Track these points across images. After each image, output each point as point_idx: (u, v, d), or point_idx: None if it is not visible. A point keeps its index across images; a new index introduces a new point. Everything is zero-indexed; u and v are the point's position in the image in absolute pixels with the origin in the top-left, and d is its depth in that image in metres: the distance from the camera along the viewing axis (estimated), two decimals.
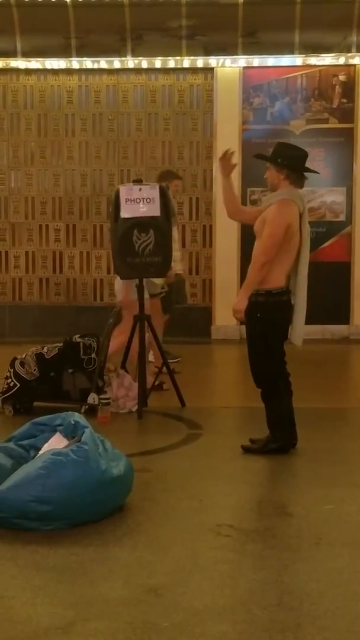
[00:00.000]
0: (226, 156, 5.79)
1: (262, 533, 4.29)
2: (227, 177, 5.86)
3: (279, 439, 5.69)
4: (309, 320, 5.86)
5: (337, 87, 11.04)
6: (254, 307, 5.53)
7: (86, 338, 7.27)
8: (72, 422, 4.81)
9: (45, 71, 11.25)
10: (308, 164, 5.75)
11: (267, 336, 5.61)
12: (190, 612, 3.40)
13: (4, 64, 11.13)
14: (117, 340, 7.47)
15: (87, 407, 6.82)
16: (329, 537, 4.24)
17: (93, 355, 7.18)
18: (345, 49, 10.76)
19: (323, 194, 11.05)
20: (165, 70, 11.17)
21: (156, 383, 7.37)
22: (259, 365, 5.64)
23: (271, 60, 10.88)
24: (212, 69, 11.01)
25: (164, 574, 3.79)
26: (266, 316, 5.56)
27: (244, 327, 5.84)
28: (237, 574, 3.81)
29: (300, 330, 5.73)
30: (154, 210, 7.05)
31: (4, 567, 3.86)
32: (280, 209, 5.55)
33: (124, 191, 7.10)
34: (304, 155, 5.74)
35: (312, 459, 5.66)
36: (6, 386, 7.05)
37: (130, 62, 11.01)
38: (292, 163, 5.64)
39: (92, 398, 6.87)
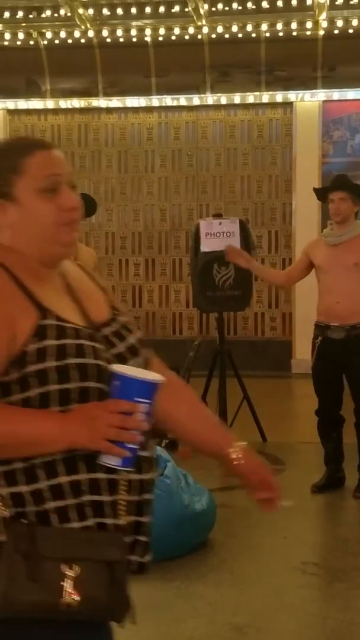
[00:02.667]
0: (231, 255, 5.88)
1: (349, 572, 4.21)
2: (250, 264, 5.90)
3: None
4: None
5: None
6: None
7: None
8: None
9: (125, 109, 11.43)
10: None
11: None
12: None
13: (86, 104, 11.35)
14: None
15: (167, 441, 6.81)
16: None
17: None
18: None
19: None
20: (245, 106, 11.23)
21: None
22: None
23: (351, 94, 10.85)
24: (291, 103, 11.04)
25: (249, 612, 3.74)
26: None
27: None
28: (324, 614, 3.74)
29: None
30: (234, 243, 7.06)
31: None
32: None
33: (204, 225, 7.14)
34: None
35: None
36: None
37: (210, 99, 11.12)
38: None
39: None
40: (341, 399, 5.69)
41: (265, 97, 11.03)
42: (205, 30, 10.55)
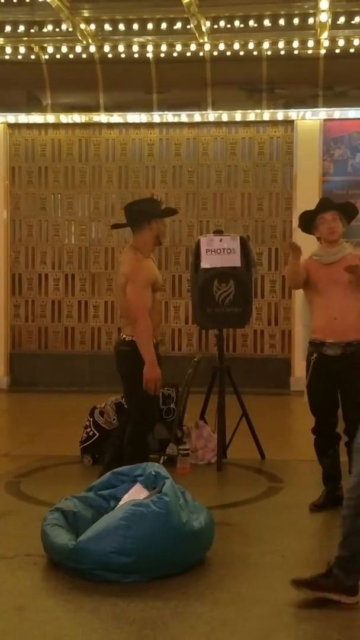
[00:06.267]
0: (293, 246, 5.70)
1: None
2: (298, 259, 5.71)
3: None
4: None
5: None
6: None
7: (165, 388, 7.23)
8: (153, 473, 4.77)
9: (126, 125, 11.43)
10: None
11: None
12: None
13: (87, 119, 11.35)
14: None
15: (165, 457, 6.77)
16: None
17: (172, 405, 7.15)
18: None
19: None
20: (246, 123, 11.23)
21: None
22: None
23: (352, 113, 10.86)
24: (292, 121, 11.04)
25: (247, 632, 3.69)
26: None
27: None
28: (322, 633, 3.68)
29: None
30: (235, 260, 7.04)
31: (85, 620, 3.81)
32: None
33: (205, 242, 7.11)
34: None
35: None
36: (85, 435, 7.05)
37: (211, 116, 11.13)
38: None
39: (171, 449, 6.82)
40: (337, 417, 5.67)
41: (267, 114, 11.04)
42: (207, 47, 10.57)
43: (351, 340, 5.51)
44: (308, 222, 5.76)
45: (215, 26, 10.25)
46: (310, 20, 10.02)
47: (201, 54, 10.70)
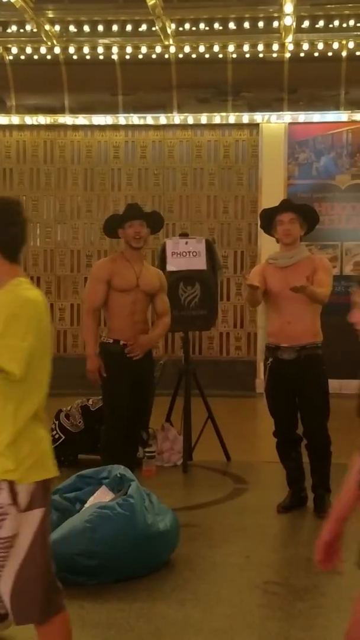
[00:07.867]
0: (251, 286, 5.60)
1: (311, 591, 4.19)
2: (254, 292, 5.63)
3: None
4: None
5: None
6: (321, 360, 5.52)
7: None
8: (118, 475, 4.77)
9: (92, 127, 11.43)
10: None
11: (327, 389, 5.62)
12: None
13: (52, 120, 11.33)
14: None
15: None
16: None
17: None
18: None
19: None
20: (211, 126, 11.28)
21: None
22: (326, 421, 5.61)
23: (317, 116, 10.95)
24: (257, 124, 11.11)
25: (211, 631, 3.71)
26: (325, 369, 5.58)
27: None
28: (285, 633, 3.71)
29: None
30: (200, 263, 7.06)
31: None
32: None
33: (171, 244, 7.14)
34: None
35: None
36: (51, 438, 7.02)
37: (177, 118, 11.15)
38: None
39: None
40: (296, 419, 5.69)
41: (232, 117, 11.09)
42: (172, 49, 10.59)
43: (305, 344, 5.51)
44: (268, 222, 5.73)
45: (181, 28, 10.28)
46: (275, 24, 10.09)
47: (166, 56, 10.72)
